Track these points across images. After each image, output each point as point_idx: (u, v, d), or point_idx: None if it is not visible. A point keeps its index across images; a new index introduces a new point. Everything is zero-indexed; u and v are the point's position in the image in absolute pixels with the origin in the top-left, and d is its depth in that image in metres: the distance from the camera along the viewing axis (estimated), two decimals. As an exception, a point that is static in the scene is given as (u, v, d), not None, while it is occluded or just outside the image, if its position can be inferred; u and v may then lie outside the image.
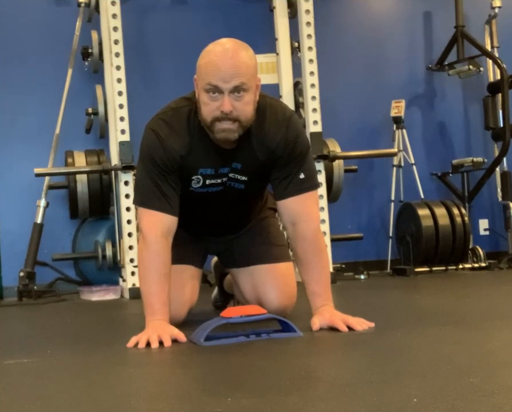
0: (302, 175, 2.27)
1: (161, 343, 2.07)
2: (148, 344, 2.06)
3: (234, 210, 2.48)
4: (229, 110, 2.11)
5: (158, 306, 2.17)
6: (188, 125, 2.24)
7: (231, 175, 2.31)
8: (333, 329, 2.17)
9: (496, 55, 5.22)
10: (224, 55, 2.11)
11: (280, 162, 2.27)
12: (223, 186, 2.33)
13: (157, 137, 2.23)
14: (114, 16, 4.21)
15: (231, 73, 2.09)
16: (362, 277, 4.57)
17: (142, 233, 2.25)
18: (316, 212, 2.35)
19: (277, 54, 4.64)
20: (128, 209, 4.11)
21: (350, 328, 2.15)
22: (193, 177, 2.29)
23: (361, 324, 2.17)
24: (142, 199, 2.27)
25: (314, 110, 4.40)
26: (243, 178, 2.32)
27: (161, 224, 2.23)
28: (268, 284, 2.48)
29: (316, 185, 2.34)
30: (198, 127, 2.23)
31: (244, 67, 2.12)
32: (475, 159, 5.13)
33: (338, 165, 4.63)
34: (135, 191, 2.35)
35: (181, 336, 2.11)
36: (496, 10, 5.28)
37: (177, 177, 2.26)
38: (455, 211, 4.71)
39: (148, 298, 2.20)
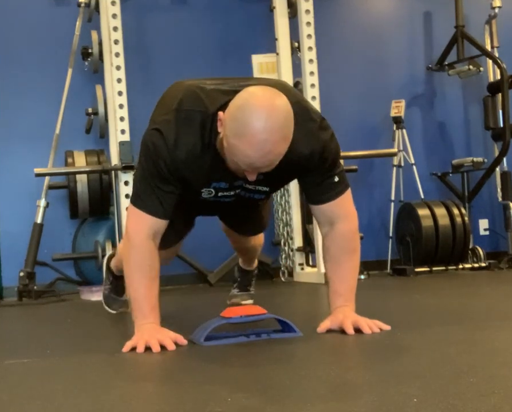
0: (336, 179, 2.19)
1: (162, 346, 2.03)
2: (147, 348, 2.02)
3: (244, 209, 2.47)
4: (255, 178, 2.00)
5: (149, 309, 2.12)
6: (201, 139, 2.05)
7: (250, 186, 2.19)
8: (340, 330, 2.14)
9: (496, 55, 5.22)
10: (260, 150, 1.87)
11: (311, 170, 2.15)
12: (237, 196, 2.23)
13: (165, 143, 2.05)
14: (114, 16, 4.21)
15: (265, 166, 1.93)
16: (362, 277, 4.57)
17: (128, 233, 2.17)
18: (354, 210, 2.27)
19: (277, 54, 4.65)
20: (128, 209, 4.10)
21: (360, 330, 2.11)
22: (203, 189, 2.19)
23: (371, 327, 2.12)
24: (135, 198, 2.17)
25: (314, 110, 4.39)
26: (264, 188, 2.22)
27: (148, 227, 2.13)
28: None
29: (348, 184, 2.26)
30: (213, 146, 2.05)
31: (279, 157, 1.93)
32: (475, 159, 5.14)
33: (338, 165, 4.62)
34: (133, 188, 2.23)
35: (181, 339, 2.08)
36: (496, 10, 5.28)
37: (180, 185, 2.13)
38: (455, 211, 4.71)
39: (136, 302, 2.14)
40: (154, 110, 2.21)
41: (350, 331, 2.11)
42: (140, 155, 2.17)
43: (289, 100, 1.97)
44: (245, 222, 2.78)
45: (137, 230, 2.15)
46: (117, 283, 2.98)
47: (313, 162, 2.12)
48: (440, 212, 4.70)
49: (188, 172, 2.09)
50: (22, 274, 4.18)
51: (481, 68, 5.18)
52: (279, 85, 2.09)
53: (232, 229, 2.83)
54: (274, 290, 4.29)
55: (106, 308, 3.11)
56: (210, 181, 2.15)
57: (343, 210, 2.23)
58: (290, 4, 4.63)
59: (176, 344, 2.06)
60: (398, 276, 4.69)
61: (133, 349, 2.04)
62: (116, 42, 4.20)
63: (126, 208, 4.01)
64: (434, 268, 4.64)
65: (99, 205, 4.47)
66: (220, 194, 2.20)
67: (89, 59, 4.54)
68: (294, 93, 2.21)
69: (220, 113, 1.97)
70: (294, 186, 4.58)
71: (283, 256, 4.90)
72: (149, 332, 2.07)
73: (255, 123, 1.85)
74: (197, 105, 2.07)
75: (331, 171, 2.18)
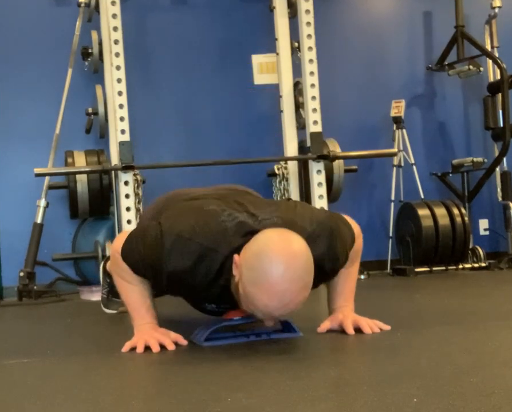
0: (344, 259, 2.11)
1: (161, 346, 2.04)
2: (147, 348, 2.03)
3: None
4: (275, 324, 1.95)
5: (145, 310, 2.12)
6: (214, 278, 1.96)
7: None
8: (340, 331, 2.15)
9: (496, 55, 5.22)
10: (280, 301, 1.80)
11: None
12: None
13: (168, 267, 1.96)
14: (114, 16, 4.21)
15: (283, 315, 1.89)
16: (362, 277, 4.56)
17: (114, 252, 2.12)
18: (358, 230, 2.20)
19: (277, 54, 4.64)
20: (128, 209, 4.11)
21: (360, 330, 2.11)
22: (206, 304, 2.18)
23: (372, 327, 2.13)
24: (126, 253, 2.08)
25: (314, 110, 4.40)
26: None
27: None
28: None
29: (349, 227, 2.15)
30: (224, 286, 1.98)
31: (299, 306, 1.86)
32: (475, 159, 5.13)
33: (338, 165, 4.62)
34: (126, 241, 2.10)
35: (181, 339, 2.09)
36: (496, 10, 5.28)
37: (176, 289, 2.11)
38: (455, 211, 4.71)
39: (131, 306, 2.14)
40: (169, 223, 2.04)
41: (350, 330, 2.11)
42: (148, 228, 2.08)
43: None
44: None
45: (118, 257, 2.11)
46: (114, 284, 2.98)
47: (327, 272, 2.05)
48: (440, 212, 4.70)
49: (189, 289, 2.04)
50: (22, 274, 4.18)
51: (481, 68, 5.18)
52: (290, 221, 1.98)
53: None
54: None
55: (105, 310, 3.11)
56: (214, 303, 2.14)
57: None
58: (290, 4, 4.62)
59: (175, 344, 2.06)
60: (398, 276, 4.69)
61: (133, 349, 2.04)
62: (116, 42, 4.20)
63: (126, 208, 4.07)
64: (434, 268, 4.64)
65: (99, 205, 4.46)
66: (223, 306, 2.15)
67: (89, 59, 4.54)
68: (304, 219, 2.04)
69: (236, 257, 1.88)
70: (294, 185, 4.57)
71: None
72: (149, 332, 2.08)
73: (274, 273, 1.78)
74: (213, 242, 1.94)
75: (335, 271, 2.12)
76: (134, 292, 2.13)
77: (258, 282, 1.80)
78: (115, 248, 2.14)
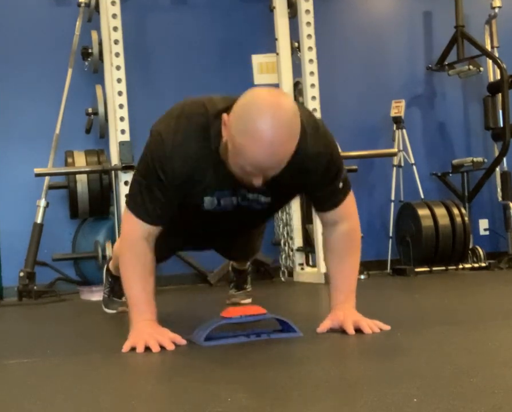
0: (340, 185, 2.14)
1: (161, 346, 2.03)
2: (147, 348, 2.01)
3: (244, 225, 2.42)
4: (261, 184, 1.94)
5: (144, 305, 2.11)
6: (204, 144, 2.00)
7: (250, 196, 2.13)
8: (340, 330, 2.14)
9: (496, 55, 5.22)
10: (268, 148, 1.82)
11: (315, 181, 2.11)
12: (238, 208, 2.15)
13: (164, 150, 2.01)
14: (114, 16, 4.21)
15: (272, 167, 1.89)
16: (362, 277, 4.56)
17: (122, 233, 2.18)
18: (355, 211, 2.24)
19: (277, 54, 4.65)
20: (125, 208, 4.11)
21: (360, 330, 2.11)
22: (204, 198, 2.13)
23: (372, 327, 2.12)
24: (129, 201, 2.15)
25: (314, 110, 4.40)
26: (266, 199, 2.15)
27: (141, 230, 2.11)
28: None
29: (350, 185, 2.21)
30: (217, 152, 2.00)
31: (287, 158, 1.89)
32: (475, 159, 5.13)
33: (338, 165, 4.62)
34: (129, 190, 2.20)
35: (179, 339, 2.08)
36: (496, 10, 5.28)
37: (180, 193, 2.07)
38: (455, 211, 4.71)
39: (131, 299, 2.14)
40: (158, 120, 2.16)
41: (351, 330, 2.11)
42: (140, 161, 2.14)
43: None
44: (238, 248, 2.88)
45: (130, 231, 2.15)
46: (116, 284, 2.99)
47: (320, 166, 2.07)
48: (440, 212, 4.70)
49: (189, 180, 2.04)
50: (22, 274, 4.18)
51: (481, 68, 5.18)
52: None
53: (224, 256, 2.99)
54: (273, 290, 4.29)
55: (106, 310, 3.11)
56: (213, 190, 2.10)
57: (347, 211, 2.21)
58: (290, 4, 4.63)
59: (174, 344, 2.06)
60: (398, 276, 4.69)
61: (133, 349, 2.03)
62: (116, 42, 4.20)
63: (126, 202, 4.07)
64: (434, 268, 4.64)
65: (99, 205, 4.47)
66: (222, 202, 2.13)
67: (89, 59, 4.54)
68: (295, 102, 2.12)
69: (224, 115, 1.92)
70: (294, 186, 4.57)
71: (283, 256, 4.90)
72: (148, 332, 2.07)
73: (262, 120, 1.81)
74: (199, 108, 2.03)
75: (337, 178, 2.14)
76: (136, 283, 2.13)
77: (247, 131, 1.83)
78: (122, 224, 2.22)
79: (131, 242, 2.15)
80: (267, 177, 1.92)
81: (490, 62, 5.29)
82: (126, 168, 4.11)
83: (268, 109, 1.83)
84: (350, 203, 2.22)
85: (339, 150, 2.20)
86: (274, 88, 1.96)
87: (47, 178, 4.37)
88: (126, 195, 2.24)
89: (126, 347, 2.04)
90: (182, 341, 2.08)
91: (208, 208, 2.14)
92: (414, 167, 5.06)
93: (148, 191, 2.08)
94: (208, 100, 2.05)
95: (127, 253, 2.15)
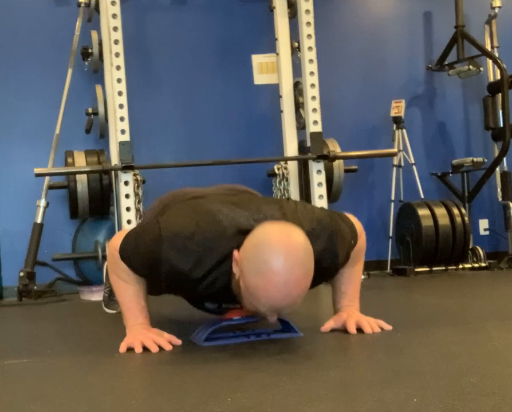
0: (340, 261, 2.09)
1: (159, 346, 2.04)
2: (145, 348, 2.02)
3: None
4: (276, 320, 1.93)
5: (138, 310, 2.11)
6: (217, 275, 1.95)
7: None
8: (343, 330, 2.15)
9: (496, 55, 5.22)
10: (283, 289, 1.78)
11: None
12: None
13: (183, 268, 1.94)
14: (114, 16, 4.21)
15: (286, 307, 1.85)
16: (362, 277, 4.55)
17: (113, 250, 2.12)
18: (360, 227, 2.20)
19: (277, 54, 4.64)
20: (128, 209, 4.11)
21: (361, 330, 2.12)
22: (206, 303, 2.16)
23: (372, 327, 2.13)
24: (123, 250, 2.08)
25: (314, 110, 4.40)
26: None
27: None
28: None
29: (355, 227, 2.15)
30: (228, 286, 1.97)
31: (302, 296, 1.84)
32: (475, 159, 5.13)
33: (338, 165, 4.63)
34: (124, 239, 2.10)
35: (175, 339, 2.09)
36: (496, 10, 5.28)
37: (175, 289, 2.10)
38: (455, 211, 4.71)
39: (125, 305, 2.14)
40: (166, 211, 2.10)
41: (353, 330, 2.12)
42: (140, 232, 2.09)
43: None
44: None
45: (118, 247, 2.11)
46: None
47: (335, 268, 2.08)
48: (440, 211, 4.70)
49: (192, 285, 1.99)
50: (22, 274, 4.18)
51: (481, 68, 5.18)
52: (292, 214, 2.00)
53: None
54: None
55: (106, 309, 3.12)
56: (219, 302, 2.13)
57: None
58: (290, 4, 4.62)
59: (171, 344, 2.07)
60: (398, 276, 4.69)
61: (131, 349, 2.04)
62: (116, 42, 4.20)
63: (126, 208, 4.07)
64: (434, 268, 4.64)
65: (99, 205, 4.46)
66: (224, 305, 2.15)
67: (89, 59, 4.54)
68: (304, 218, 2.03)
69: (235, 253, 1.88)
70: (294, 185, 4.57)
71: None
72: (142, 332, 2.08)
73: (275, 261, 1.77)
74: (212, 242, 1.93)
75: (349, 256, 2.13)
76: (128, 291, 2.12)
77: (260, 272, 1.79)
78: (113, 246, 2.13)
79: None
80: (281, 314, 1.91)
81: (490, 62, 5.29)
82: (126, 168, 4.11)
83: (281, 249, 1.79)
84: (359, 229, 2.19)
85: (359, 227, 2.16)
86: (284, 223, 1.90)
87: (47, 178, 4.37)
88: (121, 241, 2.12)
89: (122, 348, 2.05)
90: (178, 342, 2.09)
91: (208, 307, 2.18)
92: (414, 167, 5.06)
93: (142, 267, 2.05)
94: (220, 231, 1.95)
95: (118, 263, 2.11)
